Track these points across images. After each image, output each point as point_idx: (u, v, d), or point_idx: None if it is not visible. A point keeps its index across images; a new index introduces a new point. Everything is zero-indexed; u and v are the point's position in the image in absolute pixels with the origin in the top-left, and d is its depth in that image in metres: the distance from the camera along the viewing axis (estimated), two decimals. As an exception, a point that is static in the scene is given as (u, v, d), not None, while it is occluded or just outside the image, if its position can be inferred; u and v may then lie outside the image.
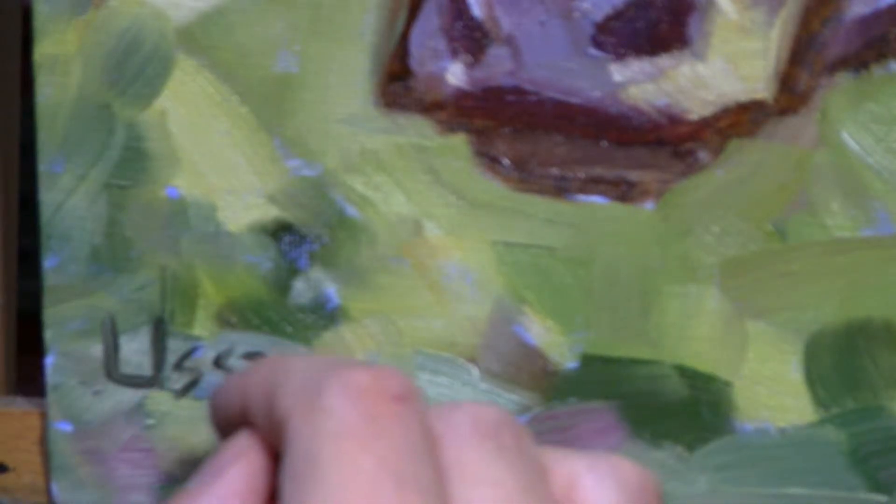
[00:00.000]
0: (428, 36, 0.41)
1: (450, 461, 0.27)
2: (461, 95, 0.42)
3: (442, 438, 0.28)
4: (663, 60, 0.41)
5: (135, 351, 0.44)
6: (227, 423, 0.32)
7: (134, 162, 0.42)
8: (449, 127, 0.42)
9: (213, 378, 0.44)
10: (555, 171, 0.42)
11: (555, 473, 0.29)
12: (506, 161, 0.42)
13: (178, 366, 0.44)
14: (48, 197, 0.43)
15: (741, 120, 0.41)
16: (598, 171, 0.42)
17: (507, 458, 0.27)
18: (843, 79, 0.41)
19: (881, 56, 0.41)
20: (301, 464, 0.26)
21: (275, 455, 0.30)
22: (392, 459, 0.26)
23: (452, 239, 0.43)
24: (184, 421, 0.44)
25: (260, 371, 0.30)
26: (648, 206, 0.42)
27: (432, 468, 0.27)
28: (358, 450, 0.26)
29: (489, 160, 0.42)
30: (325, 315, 0.43)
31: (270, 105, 0.42)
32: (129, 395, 0.44)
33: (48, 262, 0.43)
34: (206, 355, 0.44)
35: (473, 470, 0.27)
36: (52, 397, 0.44)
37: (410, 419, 0.27)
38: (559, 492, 0.28)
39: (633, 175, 0.42)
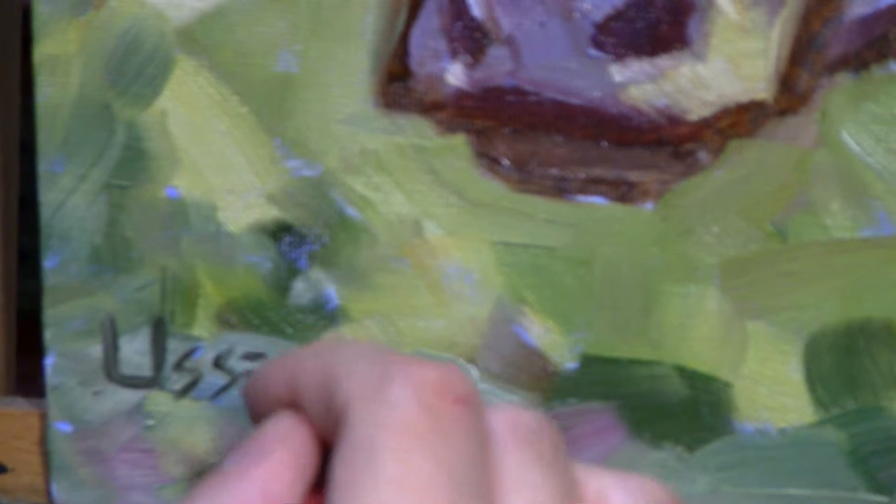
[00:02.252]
0: (428, 36, 0.41)
1: (489, 463, 0.27)
2: (461, 96, 0.42)
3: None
4: (663, 61, 0.41)
5: (135, 351, 0.44)
6: (268, 407, 0.31)
7: (134, 162, 0.42)
8: (449, 127, 0.42)
9: (212, 379, 0.44)
10: (555, 171, 0.42)
11: (585, 487, 0.29)
12: (506, 161, 0.42)
13: (178, 366, 0.44)
14: (48, 197, 0.43)
15: (741, 120, 0.41)
16: (598, 171, 0.42)
17: (545, 466, 0.28)
18: (844, 79, 0.41)
19: (881, 56, 0.41)
20: (358, 452, 0.26)
21: (320, 442, 0.29)
22: (450, 461, 0.26)
23: (452, 239, 0.43)
24: (183, 421, 0.44)
25: (316, 356, 0.29)
26: (648, 206, 0.42)
27: (485, 474, 0.27)
28: (418, 446, 0.26)
29: (489, 160, 0.42)
30: (325, 315, 0.43)
31: (270, 105, 0.42)
32: (128, 396, 0.44)
33: (48, 263, 0.43)
34: (206, 356, 0.44)
35: (513, 475, 0.27)
36: (51, 398, 0.44)
37: (472, 422, 0.27)
38: None
39: (633, 175, 0.42)
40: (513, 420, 0.28)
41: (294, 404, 0.30)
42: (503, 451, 0.28)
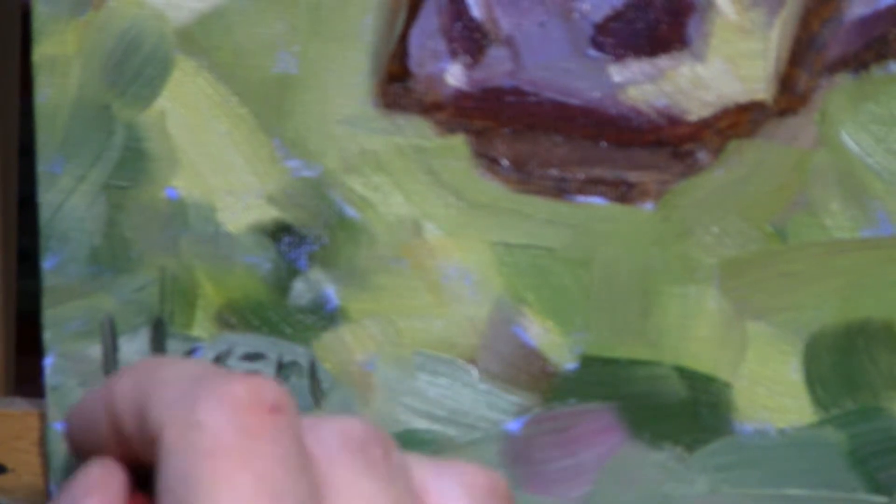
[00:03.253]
0: (427, 37, 0.41)
1: (320, 477, 0.27)
2: (460, 96, 0.41)
3: (311, 453, 0.27)
4: (662, 61, 0.41)
5: (134, 352, 0.44)
6: (92, 444, 0.30)
7: (133, 163, 0.42)
8: (448, 128, 0.42)
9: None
10: (554, 171, 0.42)
11: (427, 494, 0.28)
12: (505, 162, 0.42)
13: (178, 367, 0.44)
14: (47, 197, 0.43)
15: (741, 120, 0.41)
16: (598, 171, 0.42)
17: (376, 473, 0.27)
18: (843, 79, 0.41)
19: (881, 57, 0.41)
20: (175, 482, 0.26)
21: (139, 474, 0.29)
22: (269, 475, 0.26)
23: (452, 240, 0.43)
24: (183, 422, 0.44)
25: (129, 378, 0.29)
26: (648, 206, 0.42)
27: (308, 482, 0.26)
28: (234, 468, 0.26)
29: (488, 161, 0.42)
30: (324, 316, 0.43)
31: (270, 106, 0.42)
32: (128, 396, 0.44)
33: (47, 263, 0.43)
34: (206, 356, 0.44)
35: (345, 486, 0.27)
36: (51, 398, 0.44)
37: (286, 431, 0.26)
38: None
39: (633, 176, 0.42)
40: (340, 430, 0.28)
41: (115, 430, 0.29)
42: (332, 463, 0.27)
